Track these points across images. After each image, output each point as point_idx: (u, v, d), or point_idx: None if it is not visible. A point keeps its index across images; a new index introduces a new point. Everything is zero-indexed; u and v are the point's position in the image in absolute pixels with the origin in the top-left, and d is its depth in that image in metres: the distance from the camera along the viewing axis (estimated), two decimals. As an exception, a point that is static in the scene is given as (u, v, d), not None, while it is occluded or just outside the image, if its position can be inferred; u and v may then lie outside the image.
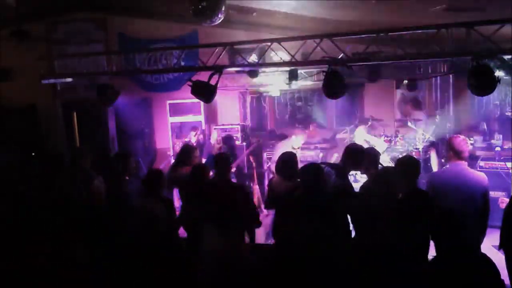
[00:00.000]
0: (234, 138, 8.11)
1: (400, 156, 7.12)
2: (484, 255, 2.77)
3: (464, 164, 4.12)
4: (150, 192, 4.08)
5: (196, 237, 4.06)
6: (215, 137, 7.43)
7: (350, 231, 3.82)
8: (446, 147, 4.28)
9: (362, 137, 7.08)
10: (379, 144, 6.84)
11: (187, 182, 4.48)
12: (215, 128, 7.84)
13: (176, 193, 5.71)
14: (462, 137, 4.22)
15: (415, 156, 7.07)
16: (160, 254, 3.38)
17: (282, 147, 6.25)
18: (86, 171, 5.09)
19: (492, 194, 4.36)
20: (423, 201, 3.69)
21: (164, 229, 3.67)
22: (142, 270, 3.36)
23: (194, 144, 7.50)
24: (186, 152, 5.25)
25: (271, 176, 7.81)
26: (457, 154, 4.12)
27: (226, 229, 3.46)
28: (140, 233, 3.49)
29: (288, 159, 4.55)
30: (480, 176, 4.06)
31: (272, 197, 4.51)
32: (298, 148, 6.55)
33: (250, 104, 8.96)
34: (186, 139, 7.84)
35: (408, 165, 3.94)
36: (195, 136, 7.70)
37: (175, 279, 3.42)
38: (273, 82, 7.42)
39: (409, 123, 7.91)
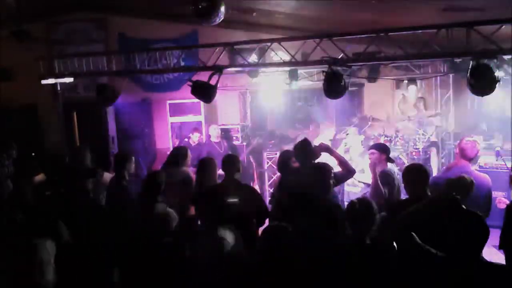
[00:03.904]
0: (233, 137, 8.12)
1: (400, 156, 7.16)
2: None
3: (468, 165, 4.16)
4: (151, 197, 4.03)
5: (194, 236, 4.06)
6: (214, 134, 7.43)
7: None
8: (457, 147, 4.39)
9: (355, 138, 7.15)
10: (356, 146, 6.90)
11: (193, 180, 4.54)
12: (212, 126, 7.75)
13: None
14: (471, 138, 4.30)
15: (415, 157, 7.11)
16: (161, 257, 3.38)
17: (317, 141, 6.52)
18: (89, 168, 5.10)
19: (492, 194, 4.38)
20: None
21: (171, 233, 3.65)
22: (145, 271, 3.36)
23: (195, 144, 7.51)
24: (182, 154, 5.15)
25: (271, 176, 7.87)
26: (463, 155, 4.18)
27: (227, 228, 3.44)
28: (149, 238, 3.48)
29: (286, 156, 4.59)
30: (483, 177, 4.09)
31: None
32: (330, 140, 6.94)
33: (250, 104, 8.95)
34: (185, 139, 7.83)
35: (416, 171, 3.77)
36: (198, 137, 7.66)
37: (175, 279, 3.42)
38: (273, 82, 7.42)
39: (409, 123, 7.92)
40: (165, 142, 8.71)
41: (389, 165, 4.75)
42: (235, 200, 3.89)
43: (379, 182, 4.34)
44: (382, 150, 4.63)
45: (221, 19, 4.72)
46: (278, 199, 4.39)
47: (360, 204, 2.99)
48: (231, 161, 4.35)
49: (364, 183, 5.67)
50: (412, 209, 3.31)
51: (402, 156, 7.22)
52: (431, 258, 2.68)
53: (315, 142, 6.32)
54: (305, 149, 4.40)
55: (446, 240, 2.63)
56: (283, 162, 4.62)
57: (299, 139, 7.41)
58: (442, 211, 2.99)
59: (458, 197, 3.03)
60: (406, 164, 6.06)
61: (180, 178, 4.70)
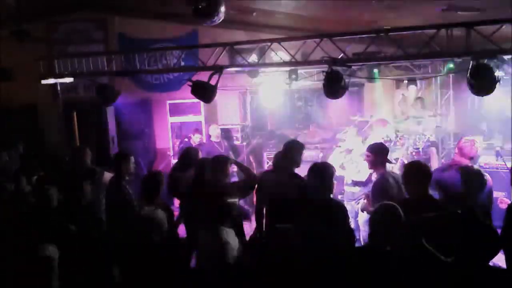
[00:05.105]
0: (233, 137, 8.11)
1: (401, 156, 7.14)
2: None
3: (468, 164, 4.18)
4: (149, 199, 4.02)
5: (192, 235, 4.07)
6: (214, 134, 7.43)
7: (353, 234, 3.78)
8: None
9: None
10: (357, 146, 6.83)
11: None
12: (212, 126, 7.73)
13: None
14: (470, 138, 4.30)
15: (415, 157, 7.09)
16: (160, 258, 3.38)
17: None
18: (89, 168, 5.11)
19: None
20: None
21: (165, 235, 3.65)
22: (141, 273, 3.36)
23: (196, 144, 7.50)
24: (192, 154, 5.12)
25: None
26: (462, 154, 4.23)
27: (217, 228, 3.44)
28: (142, 241, 3.48)
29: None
30: (485, 176, 4.11)
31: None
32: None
33: (250, 104, 8.95)
34: (185, 139, 7.82)
35: (416, 169, 3.67)
36: (199, 139, 7.65)
37: (174, 279, 3.42)
38: (273, 82, 7.41)
39: (409, 123, 7.91)
40: (165, 142, 8.71)
41: (388, 166, 4.65)
42: (235, 200, 3.89)
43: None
44: (377, 152, 4.38)
45: (221, 19, 4.73)
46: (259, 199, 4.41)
47: (387, 211, 2.88)
48: (217, 164, 4.36)
49: (358, 182, 5.64)
50: (425, 217, 3.23)
51: (402, 156, 7.21)
52: (436, 262, 2.67)
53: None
54: (299, 151, 4.37)
55: (456, 248, 2.61)
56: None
57: (299, 139, 7.42)
58: (457, 222, 2.94)
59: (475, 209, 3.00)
60: (406, 164, 6.03)
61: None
